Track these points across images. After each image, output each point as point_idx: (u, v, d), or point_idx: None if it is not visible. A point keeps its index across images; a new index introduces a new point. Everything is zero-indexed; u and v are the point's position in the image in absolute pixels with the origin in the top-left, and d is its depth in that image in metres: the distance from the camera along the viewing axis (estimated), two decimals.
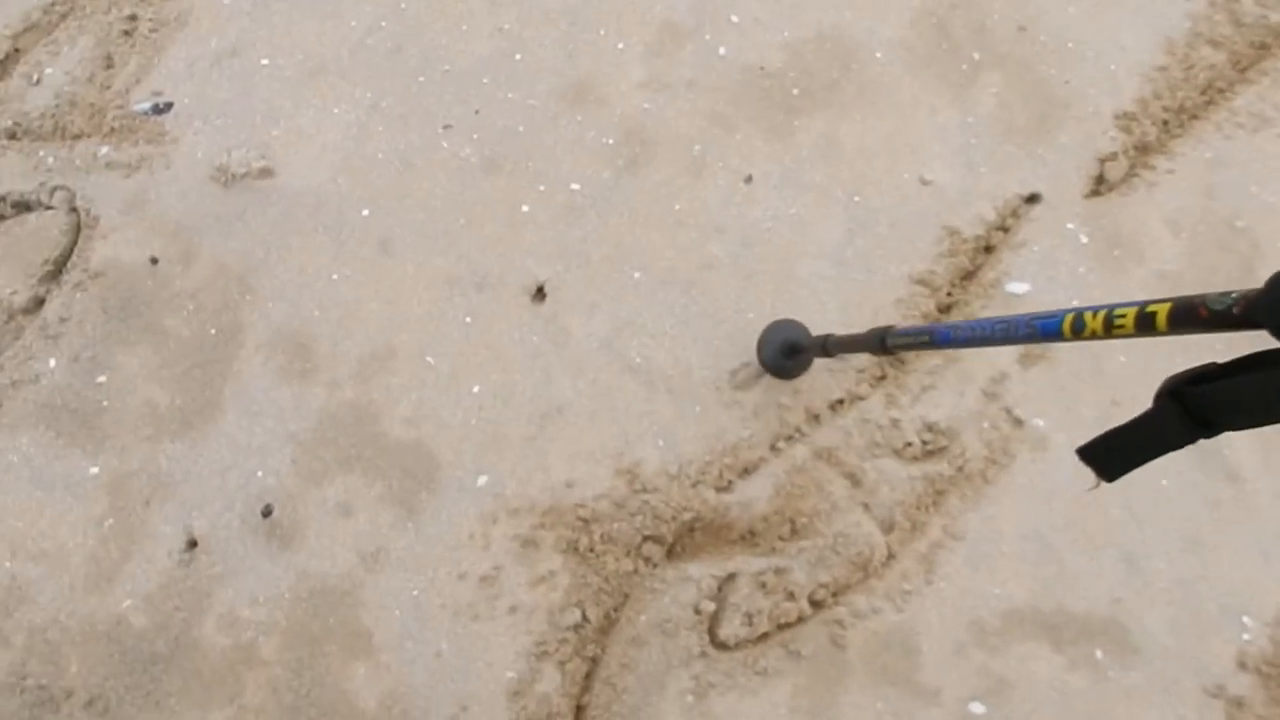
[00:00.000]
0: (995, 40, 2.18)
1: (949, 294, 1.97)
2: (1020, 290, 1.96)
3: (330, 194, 2.09)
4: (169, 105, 2.18)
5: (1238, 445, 1.89)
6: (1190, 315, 0.84)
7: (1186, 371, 0.83)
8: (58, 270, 2.07)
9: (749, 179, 2.04)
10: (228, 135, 2.15)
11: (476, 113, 2.14)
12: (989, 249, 2.01)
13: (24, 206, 2.14)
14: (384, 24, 2.24)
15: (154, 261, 2.05)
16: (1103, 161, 2.07)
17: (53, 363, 2.01)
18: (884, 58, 2.15)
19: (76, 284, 2.05)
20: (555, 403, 1.93)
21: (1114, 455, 0.89)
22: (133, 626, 1.83)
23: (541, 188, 2.07)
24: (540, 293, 2.00)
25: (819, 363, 1.91)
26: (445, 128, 2.13)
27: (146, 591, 1.85)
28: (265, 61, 2.22)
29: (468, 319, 1.99)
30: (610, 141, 2.10)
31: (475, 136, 2.12)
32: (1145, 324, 0.89)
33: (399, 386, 1.95)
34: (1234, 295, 0.80)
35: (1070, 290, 1.97)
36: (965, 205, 2.03)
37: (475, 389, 1.94)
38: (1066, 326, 0.99)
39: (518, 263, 2.02)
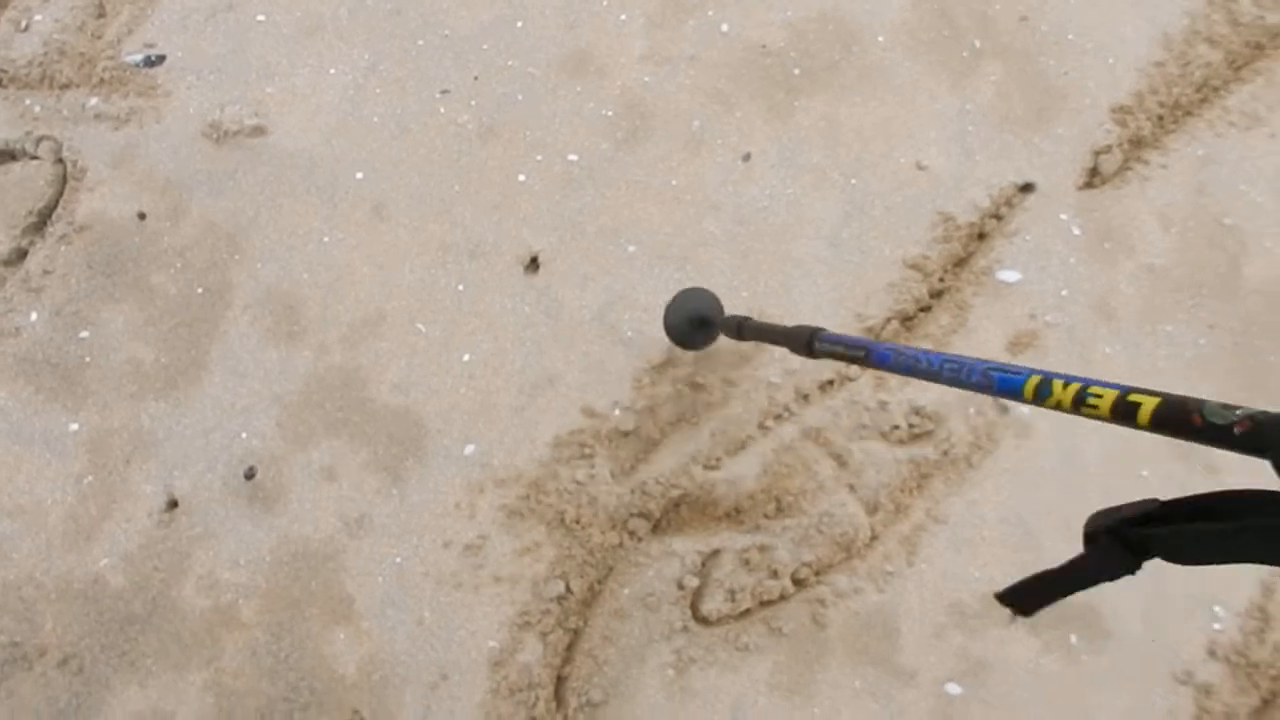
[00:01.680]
0: (997, 29, 2.18)
1: (941, 279, 1.98)
2: (1011, 279, 1.97)
3: (324, 155, 2.06)
4: (161, 58, 2.14)
5: None
6: (1180, 419, 0.74)
7: (1126, 509, 0.75)
8: (42, 221, 2.03)
9: (747, 157, 2.04)
10: (221, 91, 2.11)
11: (475, 79, 2.11)
12: (982, 236, 2.02)
13: (8, 155, 2.09)
14: None
15: (141, 217, 2.01)
16: (1097, 154, 2.09)
17: (34, 316, 1.97)
18: (886, 41, 2.15)
19: (61, 236, 2.01)
20: (546, 374, 1.92)
21: (1037, 595, 0.82)
22: (110, 586, 1.82)
23: (539, 157, 2.06)
24: (534, 263, 1.98)
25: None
26: (443, 93, 2.10)
27: (125, 551, 1.83)
28: (261, 17, 2.18)
29: (460, 287, 1.97)
30: (609, 114, 2.08)
31: (473, 103, 2.10)
32: (1124, 414, 0.78)
33: (388, 352, 1.94)
34: (1239, 413, 0.69)
35: (1060, 280, 1.99)
36: (960, 192, 2.03)
37: (465, 358, 1.93)
38: (1029, 389, 0.89)
39: (512, 232, 2.01)
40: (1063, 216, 2.03)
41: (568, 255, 1.99)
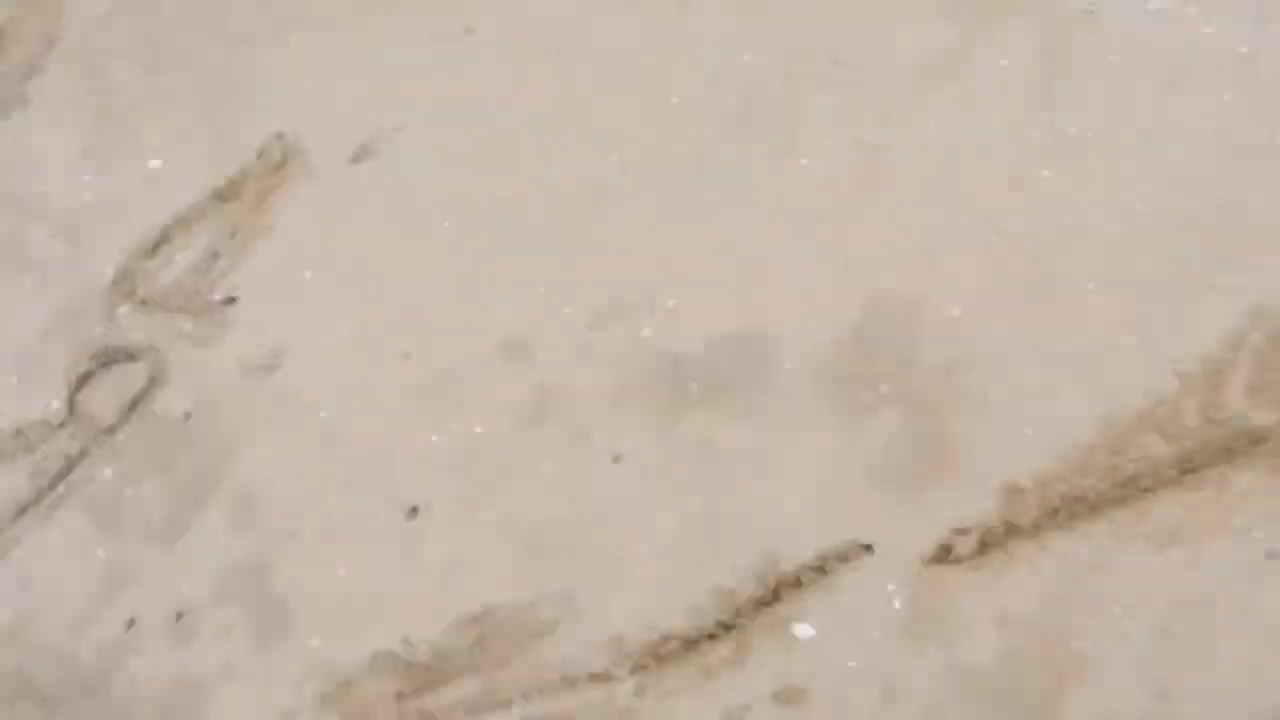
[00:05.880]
0: (913, 376, 2.15)
1: (736, 614, 2.02)
2: (805, 634, 1.96)
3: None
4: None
5: None
6: None
7: None
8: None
9: (618, 458, 2.25)
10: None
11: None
12: (798, 583, 2.02)
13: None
14: None
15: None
16: (956, 532, 1.99)
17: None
18: (792, 368, 2.23)
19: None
20: None
21: None
22: None
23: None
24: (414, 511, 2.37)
25: None
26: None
27: None
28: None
29: None
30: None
31: None
32: None
33: None
34: None
35: (855, 648, 1.93)
36: (795, 534, 2.06)
37: None
38: None
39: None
40: (890, 587, 1.97)
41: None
